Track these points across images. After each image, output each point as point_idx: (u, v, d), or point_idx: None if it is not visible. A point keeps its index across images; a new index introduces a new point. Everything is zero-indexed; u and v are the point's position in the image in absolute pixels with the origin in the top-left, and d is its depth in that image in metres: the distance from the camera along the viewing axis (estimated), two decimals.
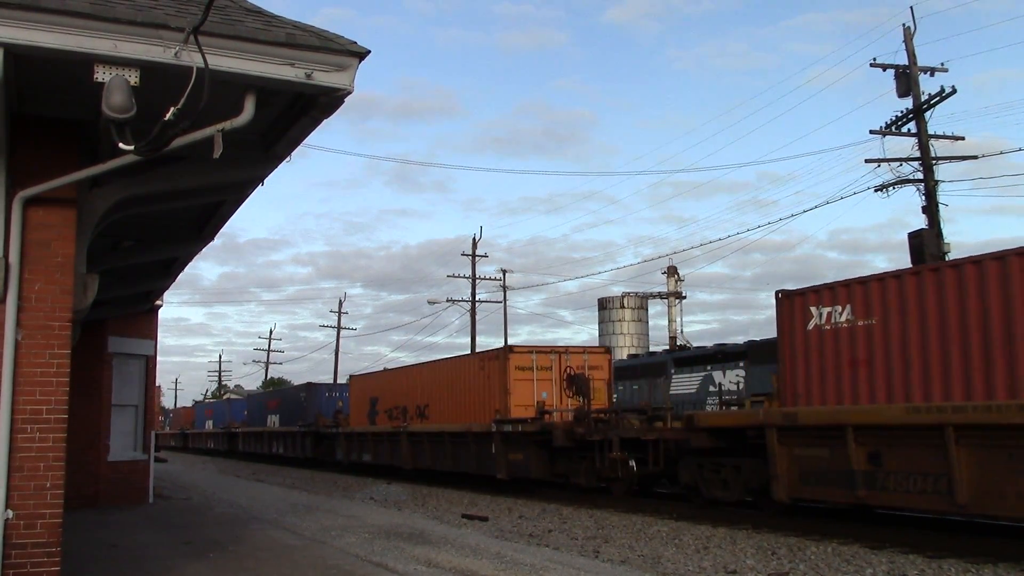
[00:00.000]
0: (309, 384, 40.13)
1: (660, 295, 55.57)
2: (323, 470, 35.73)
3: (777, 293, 14.91)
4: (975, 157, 25.93)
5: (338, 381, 61.71)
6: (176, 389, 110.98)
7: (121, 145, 5.85)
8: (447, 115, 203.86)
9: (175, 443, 71.00)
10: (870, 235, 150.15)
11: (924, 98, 25.79)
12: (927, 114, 25.68)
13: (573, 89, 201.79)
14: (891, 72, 26.47)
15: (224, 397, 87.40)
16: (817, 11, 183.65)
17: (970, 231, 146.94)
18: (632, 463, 17.98)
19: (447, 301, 49.83)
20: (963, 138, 26.44)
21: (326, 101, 6.40)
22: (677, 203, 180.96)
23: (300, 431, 37.49)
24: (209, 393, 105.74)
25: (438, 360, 27.73)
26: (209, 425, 58.87)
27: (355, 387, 33.65)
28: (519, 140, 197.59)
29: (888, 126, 26.59)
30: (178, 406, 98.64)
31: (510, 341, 58.65)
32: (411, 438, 27.05)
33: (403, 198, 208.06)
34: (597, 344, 53.65)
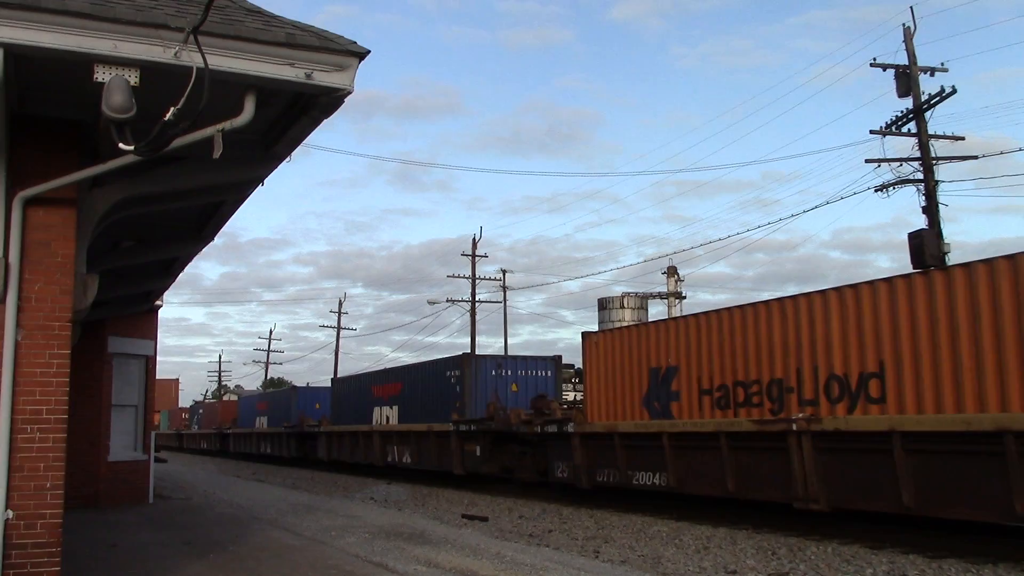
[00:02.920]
0: (467, 355, 25.95)
1: (660, 295, 55.59)
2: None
3: None
4: (975, 157, 25.96)
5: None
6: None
7: (121, 145, 5.85)
8: (450, 113, 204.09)
9: (208, 445, 57.20)
10: (873, 235, 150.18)
11: (924, 98, 25.81)
12: (927, 114, 25.69)
13: (577, 87, 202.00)
14: (893, 71, 26.48)
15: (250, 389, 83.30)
16: (822, 8, 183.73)
17: (974, 231, 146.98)
18: None
19: (447, 301, 49.87)
20: (963, 138, 26.48)
21: (326, 101, 6.40)
22: (680, 202, 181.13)
23: (461, 430, 23.45)
24: (209, 393, 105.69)
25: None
26: (262, 423, 44.77)
27: (599, 352, 18.99)
28: (522, 139, 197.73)
29: (888, 126, 26.61)
30: (210, 400, 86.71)
31: (511, 342, 57.86)
32: (829, 443, 13.19)
33: (405, 197, 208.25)
34: None
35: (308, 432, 36.51)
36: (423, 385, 27.37)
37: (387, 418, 29.44)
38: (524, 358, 26.16)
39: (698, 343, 16.28)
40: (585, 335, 19.67)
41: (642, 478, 17.06)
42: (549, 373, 25.62)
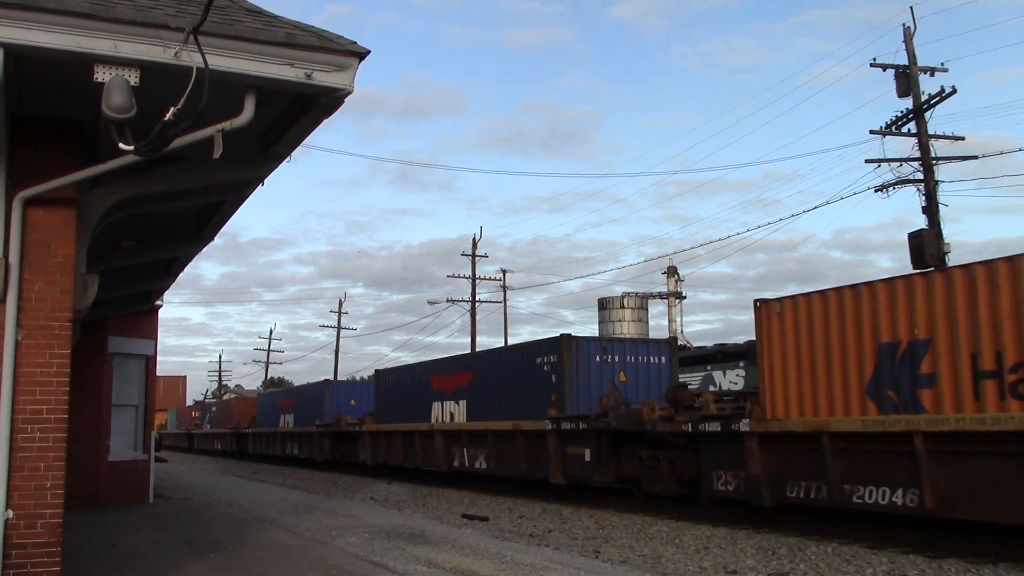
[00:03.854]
0: (566, 337, 20.51)
1: (660, 295, 55.64)
2: (325, 470, 33.66)
3: None
4: (975, 157, 25.99)
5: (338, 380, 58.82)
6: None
7: (121, 145, 5.85)
8: (451, 113, 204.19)
9: (222, 446, 52.10)
10: (874, 234, 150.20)
11: (924, 98, 25.83)
12: (927, 114, 25.71)
13: (579, 86, 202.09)
14: (893, 71, 26.50)
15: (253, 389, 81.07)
16: (824, 7, 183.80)
17: (975, 231, 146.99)
18: None
19: (447, 301, 49.91)
20: (963, 138, 26.52)
21: (326, 101, 6.41)
22: (681, 202, 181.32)
23: (564, 428, 18.84)
24: (209, 393, 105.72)
25: None
26: (287, 422, 40.46)
27: (783, 325, 14.33)
28: (524, 138, 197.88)
29: (888, 126, 26.63)
30: (225, 397, 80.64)
31: (511, 342, 57.81)
32: None
33: (406, 197, 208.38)
34: None
35: (346, 432, 31.79)
36: (504, 375, 22.36)
37: (451, 415, 24.76)
38: (634, 341, 21.71)
39: (969, 305, 11.60)
40: (761, 303, 14.91)
41: (871, 495, 12.44)
42: (663, 359, 21.19)
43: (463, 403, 24.27)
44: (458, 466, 23.82)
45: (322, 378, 45.78)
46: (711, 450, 15.28)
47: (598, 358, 20.47)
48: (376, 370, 32.03)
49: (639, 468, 17.19)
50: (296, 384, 65.48)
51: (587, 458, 18.24)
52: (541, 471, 19.84)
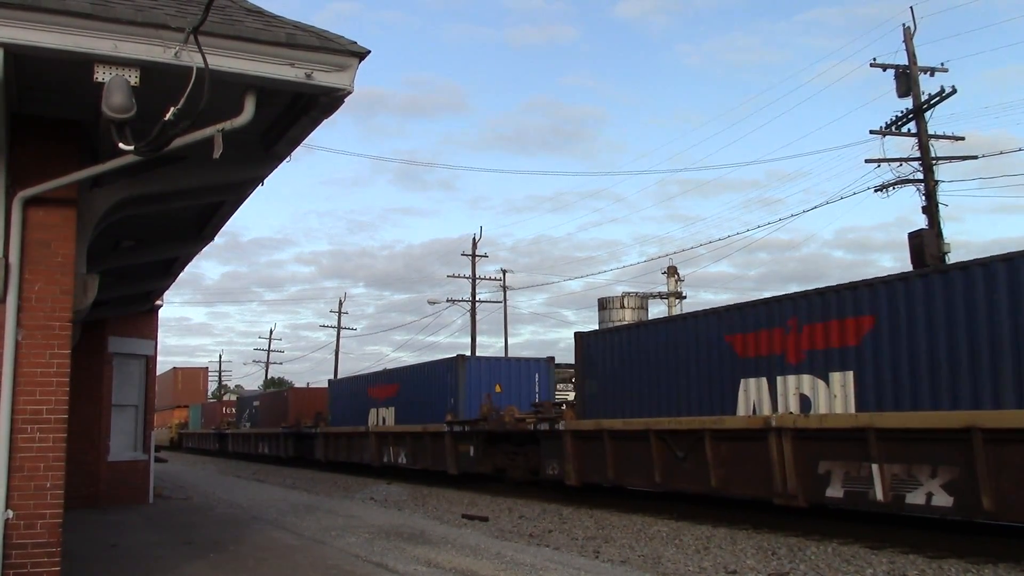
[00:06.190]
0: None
1: (660, 295, 55.60)
2: (324, 470, 34.28)
3: None
4: (975, 157, 25.99)
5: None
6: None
7: (121, 145, 5.85)
8: (454, 111, 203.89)
9: (271, 450, 40.44)
10: (876, 234, 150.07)
11: (924, 98, 25.83)
12: (927, 114, 25.71)
13: (582, 85, 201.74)
14: (893, 71, 26.50)
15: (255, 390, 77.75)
16: (828, 5, 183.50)
17: (977, 231, 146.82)
18: None
19: (447, 301, 49.93)
20: (963, 138, 26.51)
21: (326, 101, 6.41)
22: (683, 201, 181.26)
23: None
24: (209, 393, 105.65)
25: None
26: (382, 417, 29.20)
27: None
28: (526, 137, 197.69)
29: (888, 126, 26.63)
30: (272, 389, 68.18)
31: (511, 342, 57.06)
32: None
33: (408, 196, 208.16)
34: None
35: (511, 432, 21.17)
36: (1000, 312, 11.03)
37: (810, 400, 13.57)
38: None
39: None
40: None
41: None
42: None
43: (844, 377, 12.96)
44: (841, 495, 12.59)
45: (322, 378, 41.53)
46: None
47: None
48: (576, 333, 20.43)
49: None
50: (298, 384, 64.65)
51: None
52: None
